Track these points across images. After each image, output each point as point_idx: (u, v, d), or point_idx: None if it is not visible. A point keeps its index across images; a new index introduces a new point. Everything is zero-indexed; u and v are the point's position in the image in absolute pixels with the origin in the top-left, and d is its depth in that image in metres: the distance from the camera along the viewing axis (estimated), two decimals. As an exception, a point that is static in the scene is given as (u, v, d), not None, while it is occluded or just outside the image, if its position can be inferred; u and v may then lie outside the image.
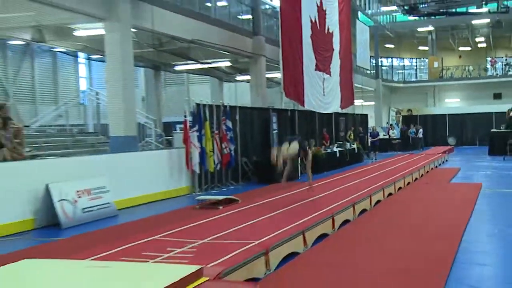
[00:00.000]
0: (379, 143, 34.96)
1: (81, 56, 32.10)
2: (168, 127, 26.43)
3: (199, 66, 29.14)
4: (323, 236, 10.51)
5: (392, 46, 57.19)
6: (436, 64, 56.14)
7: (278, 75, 26.98)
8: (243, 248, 8.28)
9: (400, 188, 18.18)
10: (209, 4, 26.12)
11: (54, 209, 12.86)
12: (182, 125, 19.19)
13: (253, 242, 8.69)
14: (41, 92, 33.23)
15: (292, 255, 9.02)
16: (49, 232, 12.30)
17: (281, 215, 11.64)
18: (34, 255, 8.65)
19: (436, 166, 26.84)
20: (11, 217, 12.28)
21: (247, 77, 29.85)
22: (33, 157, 15.17)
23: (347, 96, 31.41)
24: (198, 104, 18.59)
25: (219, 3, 27.23)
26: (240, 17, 28.28)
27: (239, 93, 38.16)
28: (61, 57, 34.07)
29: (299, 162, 22.97)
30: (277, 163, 13.83)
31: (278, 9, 24.15)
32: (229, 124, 20.00)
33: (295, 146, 13.74)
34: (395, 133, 42.91)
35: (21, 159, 13.81)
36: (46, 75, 34.15)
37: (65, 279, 6.90)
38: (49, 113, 26.35)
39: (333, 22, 28.81)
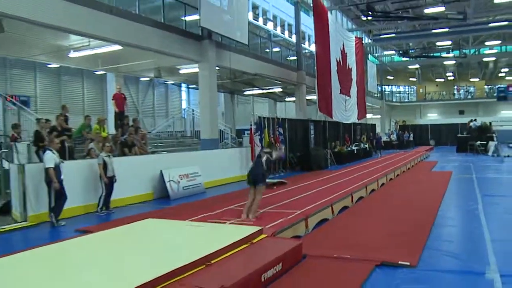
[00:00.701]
0: (383, 144, 34.39)
1: (183, 86, 32.53)
2: (239, 133, 26.50)
3: (260, 91, 29.17)
4: (344, 208, 10.49)
5: (391, 77, 56.60)
6: (421, 90, 55.62)
7: (314, 97, 26.88)
8: (290, 216, 8.34)
9: (398, 174, 17.95)
10: (267, 50, 26.21)
11: (165, 187, 13.13)
12: (248, 131, 19.23)
13: (297, 211, 8.74)
14: (158, 110, 33.78)
15: (323, 220, 9.04)
16: (162, 202, 12.56)
17: (316, 193, 11.63)
18: (153, 216, 8.91)
19: (422, 160, 26.28)
20: (140, 190, 12.64)
21: (293, 99, 29.67)
22: (152, 152, 15.43)
23: (362, 111, 31.28)
24: (259, 117, 18.58)
25: (274, 49, 27.26)
26: (288, 58, 28.24)
27: (288, 109, 38.01)
28: (171, 87, 34.60)
29: (328, 155, 22.96)
30: None
31: (314, 53, 24.17)
32: (281, 130, 19.99)
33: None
34: (394, 137, 42.16)
35: (146, 153, 14.10)
36: (161, 99, 34.68)
37: (173, 232, 7.09)
38: (162, 124, 26.77)
39: (351, 61, 28.74)
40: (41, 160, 10.68)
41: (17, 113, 13.12)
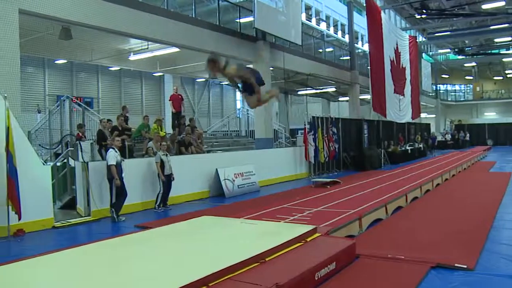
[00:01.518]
0: (437, 144, 33.43)
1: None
2: (293, 132, 26.39)
3: (314, 91, 29.02)
4: (399, 208, 10.26)
5: (446, 76, 54.74)
6: (478, 88, 53.45)
7: (367, 96, 26.54)
8: (344, 215, 8.25)
9: (453, 175, 17.28)
10: (320, 50, 26.03)
11: (221, 185, 13.26)
12: (302, 131, 19.16)
13: (350, 211, 8.64)
14: (213, 110, 34.19)
15: (377, 220, 8.88)
16: (217, 199, 12.68)
17: (370, 193, 11.45)
18: (209, 213, 9.02)
19: (479, 160, 25.30)
20: (196, 188, 12.84)
21: (347, 98, 29.45)
22: (208, 152, 15.62)
23: (416, 110, 30.46)
24: (313, 117, 18.52)
25: (327, 49, 27.06)
26: (341, 58, 27.95)
27: (341, 109, 37.58)
28: (226, 87, 34.95)
29: (382, 154, 22.52)
30: None
31: (368, 52, 23.86)
32: (334, 130, 19.81)
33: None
34: (449, 136, 40.82)
35: (202, 152, 14.26)
36: (216, 99, 35.08)
37: (227, 230, 7.14)
38: (217, 123, 26.99)
39: (405, 60, 28.09)
40: (103, 158, 11.06)
41: (81, 114, 13.60)
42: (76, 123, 13.47)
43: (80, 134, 12.33)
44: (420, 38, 40.01)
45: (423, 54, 42.23)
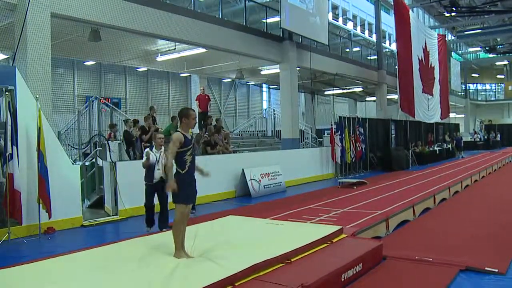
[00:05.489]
0: (464, 144, 32.76)
1: (264, 86, 32.83)
2: (320, 132, 26.29)
3: (340, 91, 28.86)
4: (426, 209, 10.13)
5: (476, 75, 53.67)
6: (510, 87, 52.07)
7: (395, 96, 26.34)
8: (370, 216, 8.21)
9: (483, 176, 16.98)
10: (347, 50, 25.89)
11: (247, 185, 13.30)
12: (329, 131, 19.09)
13: (377, 212, 8.58)
14: (239, 110, 34.29)
15: (404, 221, 8.79)
16: (243, 199, 12.72)
17: (397, 194, 11.35)
18: (235, 213, 9.03)
19: (510, 161, 24.75)
20: (223, 188, 12.90)
21: (374, 98, 29.22)
22: (235, 152, 15.67)
23: (445, 110, 30.09)
24: (340, 117, 18.47)
25: (354, 49, 26.89)
26: (368, 57, 27.72)
27: (368, 109, 37.26)
28: (252, 88, 34.99)
29: (410, 155, 22.23)
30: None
31: (396, 52, 23.66)
32: (361, 130, 19.70)
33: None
34: (479, 137, 39.96)
35: (228, 153, 14.28)
36: (243, 99, 35.15)
37: (253, 230, 7.16)
38: (244, 123, 27.09)
39: (434, 59, 27.75)
40: (131, 158, 11.19)
41: (109, 114, 13.84)
42: (104, 123, 13.72)
43: (112, 134, 12.54)
44: (449, 37, 39.38)
45: (453, 53, 41.55)
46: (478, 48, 47.02)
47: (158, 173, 8.02)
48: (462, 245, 6.91)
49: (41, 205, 8.10)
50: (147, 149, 8.29)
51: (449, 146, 29.22)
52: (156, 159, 8.05)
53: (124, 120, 13.65)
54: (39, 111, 8.09)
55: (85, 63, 22.45)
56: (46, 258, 5.83)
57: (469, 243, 7.06)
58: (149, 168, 8.05)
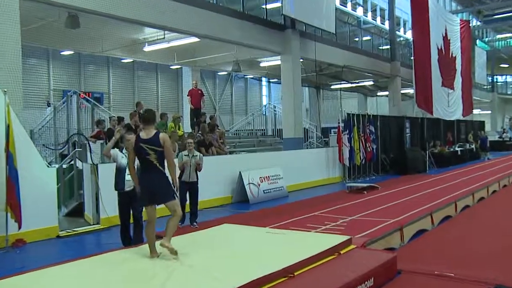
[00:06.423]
0: (490, 145, 32.65)
1: (263, 80, 32.78)
2: (325, 131, 26.23)
3: (349, 85, 28.88)
4: (447, 217, 10.05)
5: (506, 65, 53.06)
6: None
7: (410, 91, 26.36)
8: (383, 224, 8.17)
9: (513, 181, 16.84)
10: (357, 39, 25.86)
11: (244, 190, 13.26)
12: (336, 130, 19.04)
13: (390, 220, 8.53)
14: (236, 106, 34.23)
15: (421, 231, 8.72)
16: (240, 206, 12.70)
17: (413, 200, 11.30)
18: (231, 221, 8.99)
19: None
20: (218, 193, 12.89)
21: (386, 93, 29.23)
22: (231, 152, 15.63)
23: (468, 106, 30.23)
24: (348, 114, 18.47)
25: (364, 38, 26.86)
26: (380, 47, 27.70)
27: (379, 105, 37.28)
28: (250, 81, 34.92)
29: (427, 156, 22.15)
30: None
31: (411, 41, 23.65)
32: (372, 128, 19.67)
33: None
34: (508, 136, 39.84)
35: (224, 153, 14.26)
36: (240, 94, 35.09)
37: (251, 240, 7.12)
38: (241, 121, 27.03)
39: (455, 48, 27.81)
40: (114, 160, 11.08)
41: (90, 111, 13.74)
42: (85, 121, 13.62)
43: (101, 132, 12.36)
44: (474, 22, 39.11)
45: (477, 41, 41.27)
46: (509, 35, 46.10)
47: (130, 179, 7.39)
48: (490, 259, 6.80)
49: (9, 214, 7.96)
50: (116, 149, 7.97)
51: (473, 146, 29.16)
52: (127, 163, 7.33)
53: (109, 117, 13.56)
54: (8, 107, 7.99)
55: (62, 53, 22.25)
56: (13, 275, 5.63)
57: (499, 256, 6.94)
58: (119, 173, 7.72)
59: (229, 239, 7.23)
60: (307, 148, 20.39)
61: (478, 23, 39.40)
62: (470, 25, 33.41)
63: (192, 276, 5.31)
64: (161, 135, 6.22)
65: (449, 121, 27.88)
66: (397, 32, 28.81)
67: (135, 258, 6.13)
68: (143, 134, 6.22)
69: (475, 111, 35.27)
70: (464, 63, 29.20)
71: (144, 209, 6.39)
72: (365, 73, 25.41)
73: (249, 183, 13.39)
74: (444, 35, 25.87)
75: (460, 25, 29.35)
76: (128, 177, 7.44)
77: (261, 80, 33.47)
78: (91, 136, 12.51)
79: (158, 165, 6.16)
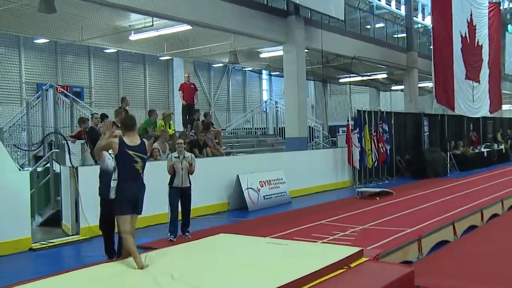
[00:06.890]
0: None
1: (264, 73, 32.80)
2: (333, 130, 26.31)
3: (359, 78, 28.89)
4: (472, 227, 10.02)
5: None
6: None
7: (429, 84, 26.36)
8: (398, 234, 8.20)
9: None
10: (368, 27, 25.88)
11: (243, 195, 13.28)
12: (345, 128, 19.08)
13: (407, 229, 8.54)
14: (233, 102, 34.27)
15: (442, 242, 8.70)
16: (238, 214, 12.72)
17: (432, 207, 11.32)
18: (227, 230, 9.01)
19: None
20: (213, 199, 12.92)
21: (401, 87, 29.29)
22: (227, 153, 15.64)
23: (496, 101, 30.12)
24: (358, 111, 18.51)
25: (377, 25, 26.90)
26: (395, 36, 27.70)
27: (394, 100, 37.31)
28: (249, 74, 34.99)
29: (448, 158, 22.14)
30: None
31: (430, 28, 23.61)
32: (385, 127, 19.69)
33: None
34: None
35: (219, 155, 14.27)
36: (237, 89, 35.16)
37: (249, 251, 7.10)
38: (239, 119, 27.07)
39: (482, 36, 27.71)
40: (96, 162, 11.05)
41: (69, 107, 13.67)
42: (63, 118, 13.53)
43: (84, 131, 12.29)
44: (506, 4, 38.73)
45: (509, 26, 40.84)
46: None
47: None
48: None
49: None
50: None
51: (502, 147, 29.18)
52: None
53: (90, 114, 13.49)
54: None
55: (36, 41, 22.19)
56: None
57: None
58: (105, 177, 7.59)
59: (225, 251, 7.21)
60: (312, 149, 20.45)
61: (511, 5, 39.06)
62: (501, 7, 33.20)
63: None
64: (146, 142, 6.88)
65: (474, 119, 27.91)
66: (414, 18, 28.82)
67: (121, 272, 6.10)
68: (127, 140, 6.49)
69: (505, 107, 35.03)
70: (492, 53, 29.03)
71: (120, 217, 6.52)
72: (378, 65, 25.44)
73: (247, 188, 13.40)
74: (469, 20, 25.71)
75: (489, 8, 29.13)
76: (113, 183, 7.18)
77: (261, 73, 33.51)
78: (72, 135, 12.44)
79: (142, 173, 6.64)
